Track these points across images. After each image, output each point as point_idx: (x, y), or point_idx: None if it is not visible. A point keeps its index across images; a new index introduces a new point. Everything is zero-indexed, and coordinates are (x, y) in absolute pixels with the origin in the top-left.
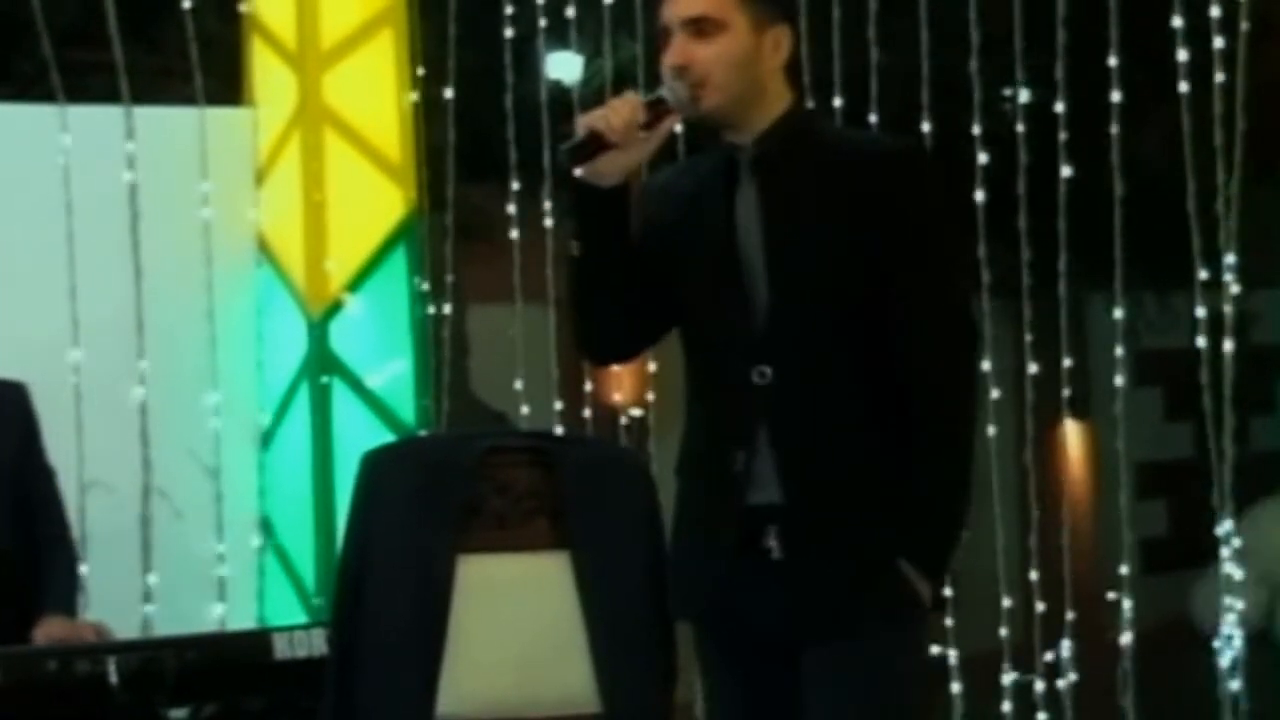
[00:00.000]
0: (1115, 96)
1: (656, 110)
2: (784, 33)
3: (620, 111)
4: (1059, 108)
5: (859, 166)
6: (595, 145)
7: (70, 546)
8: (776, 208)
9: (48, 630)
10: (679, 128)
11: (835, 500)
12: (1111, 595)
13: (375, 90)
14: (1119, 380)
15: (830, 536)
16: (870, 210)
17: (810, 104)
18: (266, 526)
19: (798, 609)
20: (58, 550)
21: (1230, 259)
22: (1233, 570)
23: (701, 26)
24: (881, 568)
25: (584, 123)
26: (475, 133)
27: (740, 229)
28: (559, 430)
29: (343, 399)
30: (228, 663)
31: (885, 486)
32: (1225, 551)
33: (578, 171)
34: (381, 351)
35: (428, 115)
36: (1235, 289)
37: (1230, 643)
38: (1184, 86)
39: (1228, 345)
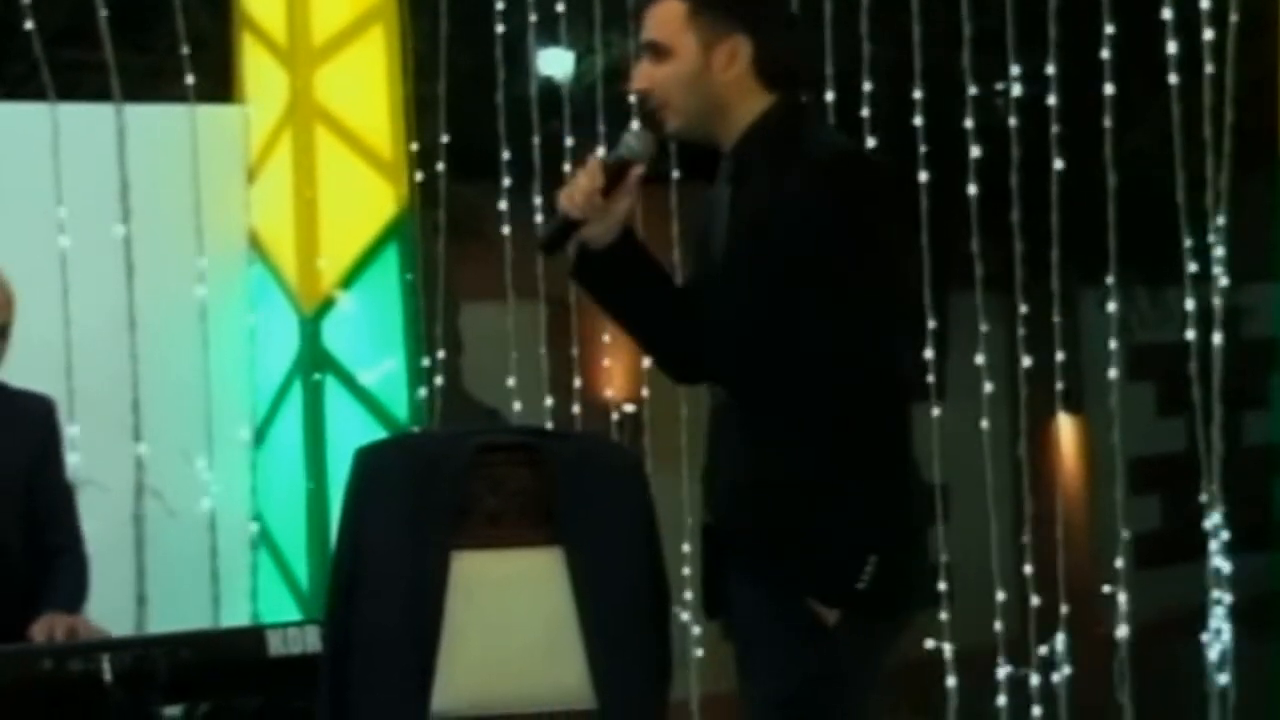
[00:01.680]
0: (1108, 90)
1: (617, 169)
2: (740, 43)
3: (579, 186)
4: (1051, 101)
5: (788, 176)
6: (568, 226)
7: (82, 559)
8: (734, 222)
9: (44, 626)
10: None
11: (750, 526)
12: (1106, 589)
13: (366, 87)
14: (1113, 374)
15: (743, 561)
16: (786, 225)
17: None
18: (260, 524)
19: (742, 611)
20: (67, 559)
21: (1220, 252)
22: (1221, 564)
23: (655, 50)
24: (788, 594)
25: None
26: (466, 129)
27: (714, 243)
28: (551, 426)
29: (335, 396)
30: (222, 660)
31: (795, 518)
32: (1214, 545)
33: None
34: (374, 348)
35: (419, 112)
36: (1225, 282)
37: (1219, 636)
38: (1174, 79)
39: (1218, 339)
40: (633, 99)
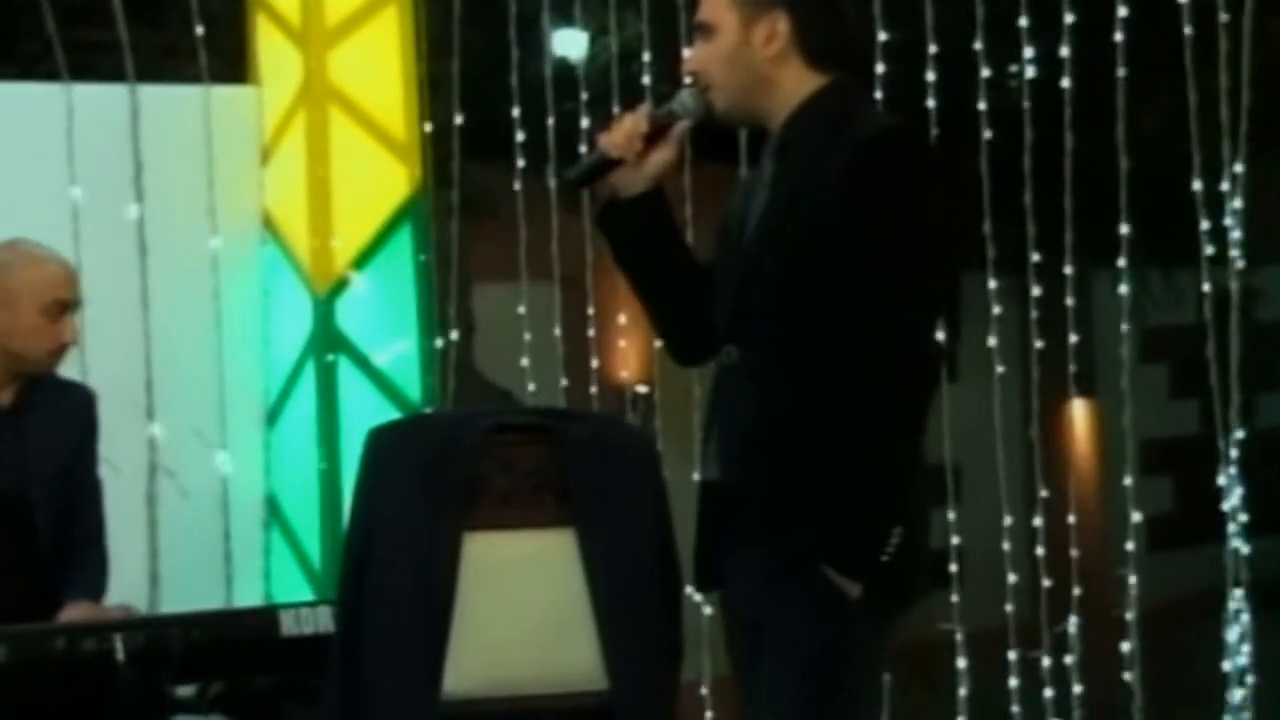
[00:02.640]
0: (1120, 72)
1: (664, 119)
2: (778, 19)
3: (623, 127)
4: (1065, 84)
5: (833, 153)
6: (602, 164)
7: (103, 554)
8: (771, 196)
9: (70, 614)
10: None
11: (763, 490)
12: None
13: (380, 68)
14: (1125, 357)
15: (757, 526)
16: (826, 200)
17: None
18: (272, 505)
19: (747, 586)
20: (90, 554)
21: (1236, 235)
22: (1240, 546)
23: (703, 29)
24: (804, 564)
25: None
26: (480, 110)
27: (751, 215)
28: (564, 407)
29: (348, 377)
30: (234, 640)
31: (814, 484)
32: (1231, 527)
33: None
34: (387, 329)
35: (433, 93)
36: (1240, 265)
37: (1238, 618)
38: (1189, 62)
39: (1233, 322)
40: (686, 79)
